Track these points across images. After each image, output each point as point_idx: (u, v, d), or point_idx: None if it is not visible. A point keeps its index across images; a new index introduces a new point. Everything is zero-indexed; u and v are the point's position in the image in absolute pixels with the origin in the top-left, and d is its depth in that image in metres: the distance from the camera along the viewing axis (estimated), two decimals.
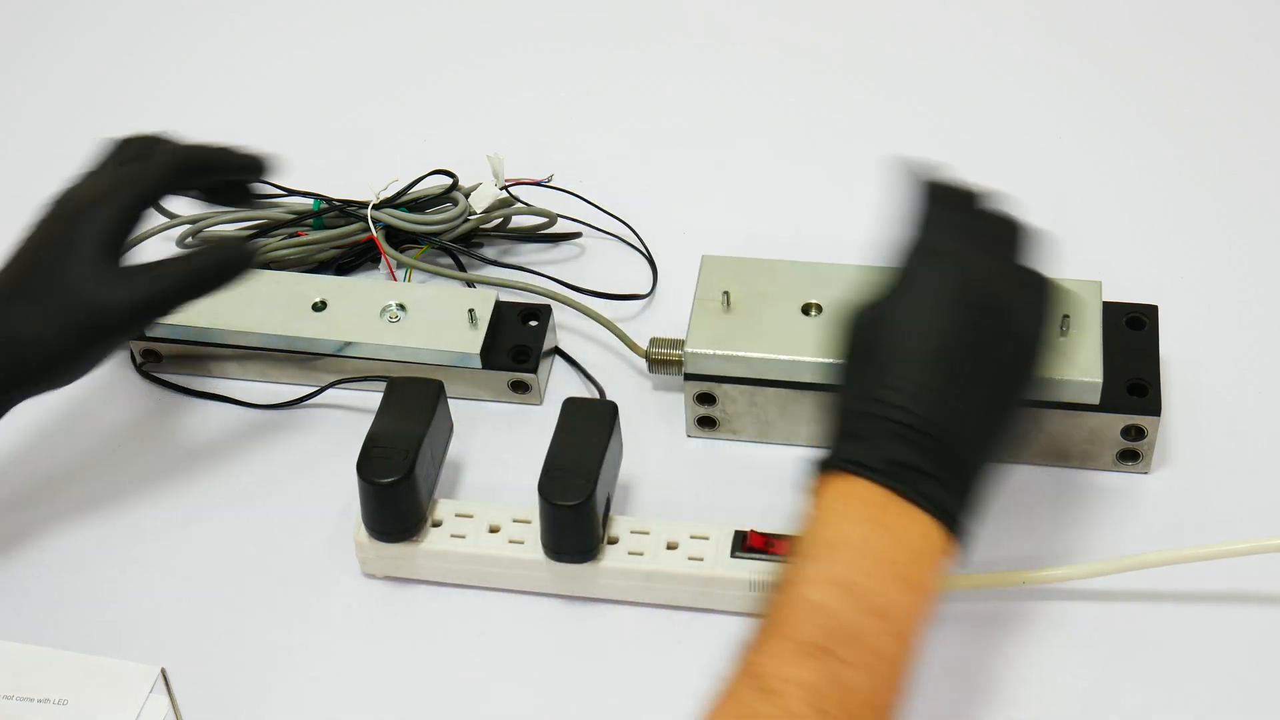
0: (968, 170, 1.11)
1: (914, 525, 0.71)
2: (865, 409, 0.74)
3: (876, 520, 0.71)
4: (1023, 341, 0.77)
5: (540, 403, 0.98)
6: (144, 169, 0.88)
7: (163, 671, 0.83)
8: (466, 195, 1.04)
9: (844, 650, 0.68)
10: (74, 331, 0.84)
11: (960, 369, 0.74)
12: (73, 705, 0.82)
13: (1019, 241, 0.80)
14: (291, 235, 1.05)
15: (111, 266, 0.86)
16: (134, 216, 0.88)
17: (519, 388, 0.97)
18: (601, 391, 0.96)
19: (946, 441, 0.73)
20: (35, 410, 0.98)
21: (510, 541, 0.87)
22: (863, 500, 0.72)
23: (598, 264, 1.06)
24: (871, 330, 0.76)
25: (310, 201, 1.06)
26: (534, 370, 0.96)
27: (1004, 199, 0.82)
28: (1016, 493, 0.91)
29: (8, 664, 0.84)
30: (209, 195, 0.93)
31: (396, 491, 0.85)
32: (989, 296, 0.76)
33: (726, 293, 0.94)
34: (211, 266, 0.87)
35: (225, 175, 0.91)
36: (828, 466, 0.73)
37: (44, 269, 0.85)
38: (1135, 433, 0.90)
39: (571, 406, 0.88)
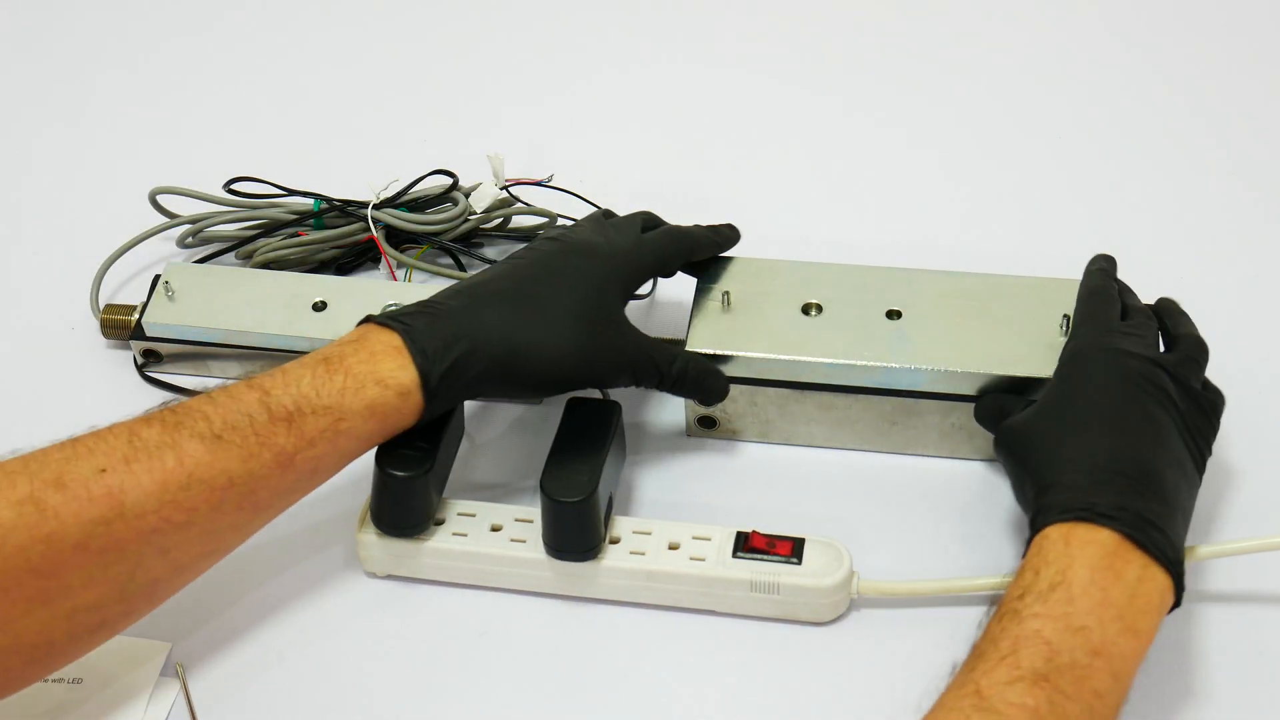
0: (968, 170, 1.12)
1: (1142, 572, 0.74)
2: (1082, 463, 0.77)
3: (1108, 566, 0.73)
4: (1191, 449, 0.80)
5: (540, 402, 0.98)
6: (667, 241, 0.93)
7: (179, 665, 0.84)
8: (466, 195, 1.04)
9: (1066, 684, 0.70)
10: (583, 365, 0.86)
11: (1145, 454, 0.78)
12: (86, 683, 0.84)
13: (1176, 349, 0.86)
14: (291, 235, 1.05)
15: (622, 316, 0.89)
16: (644, 279, 0.92)
17: None
18: (604, 391, 0.96)
19: (1163, 495, 0.76)
20: (36, 409, 0.98)
21: (512, 540, 0.87)
22: (1095, 545, 0.74)
23: None
24: (1062, 415, 0.81)
25: (310, 201, 1.06)
26: None
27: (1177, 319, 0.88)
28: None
29: None
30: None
31: (414, 487, 0.85)
32: (1158, 393, 0.81)
33: (726, 293, 0.94)
34: (694, 381, 0.90)
35: (712, 255, 0.96)
36: (1060, 514, 0.76)
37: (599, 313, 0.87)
38: None
39: (575, 406, 0.88)
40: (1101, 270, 0.91)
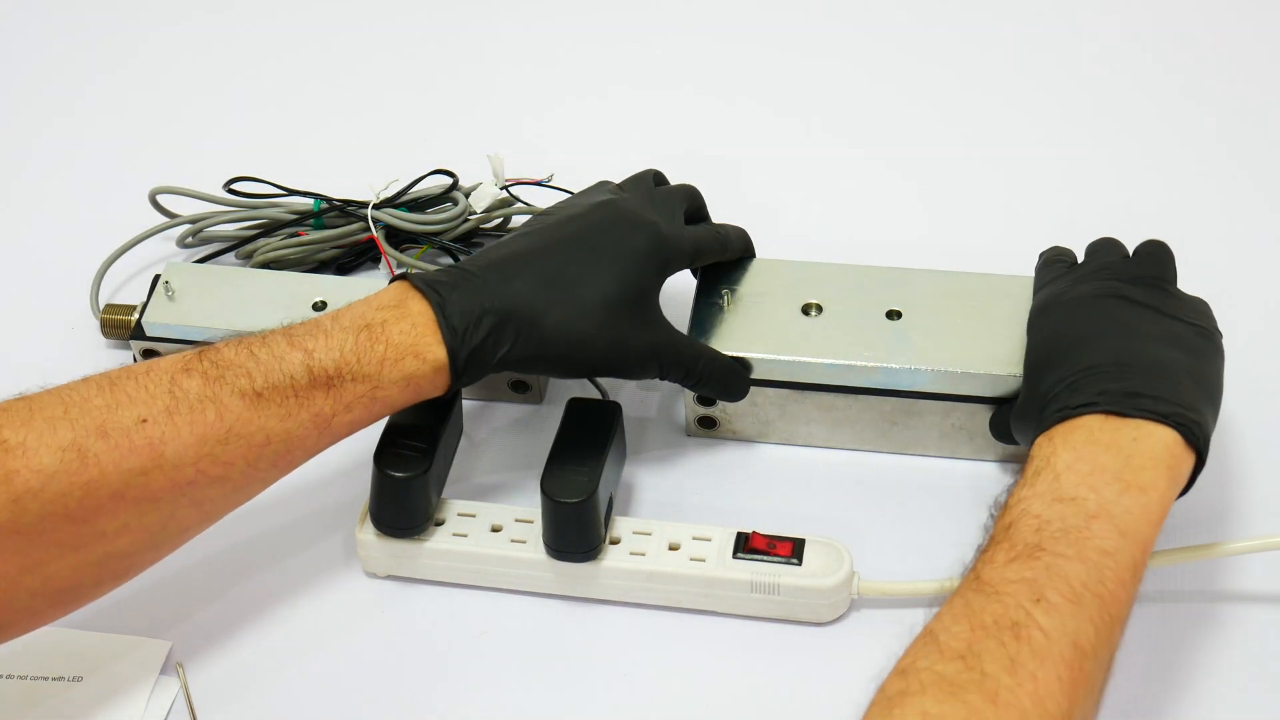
0: (968, 170, 1.12)
1: (1137, 433, 0.75)
2: (1072, 378, 0.79)
3: (1093, 441, 0.75)
4: (1188, 318, 0.82)
5: (540, 402, 0.98)
6: (708, 237, 0.93)
7: (179, 664, 0.84)
8: (466, 195, 1.04)
9: (1061, 546, 0.71)
10: (615, 353, 0.86)
11: (1120, 329, 0.80)
12: (86, 681, 0.84)
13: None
14: (291, 235, 1.05)
15: (657, 307, 0.88)
16: (677, 270, 0.91)
17: (519, 387, 0.97)
18: (603, 392, 0.96)
19: (1150, 368, 0.77)
20: None
21: (512, 541, 0.87)
22: (1079, 430, 0.76)
23: None
24: (1053, 335, 0.83)
25: (310, 201, 1.06)
26: None
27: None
28: None
29: (22, 644, 0.85)
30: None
31: (413, 487, 0.85)
32: (1111, 287, 0.84)
33: (726, 293, 0.94)
34: (719, 377, 0.90)
35: (733, 257, 0.96)
36: (1037, 429, 0.77)
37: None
38: None
39: (575, 406, 0.88)
40: (1053, 250, 0.92)
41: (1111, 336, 0.81)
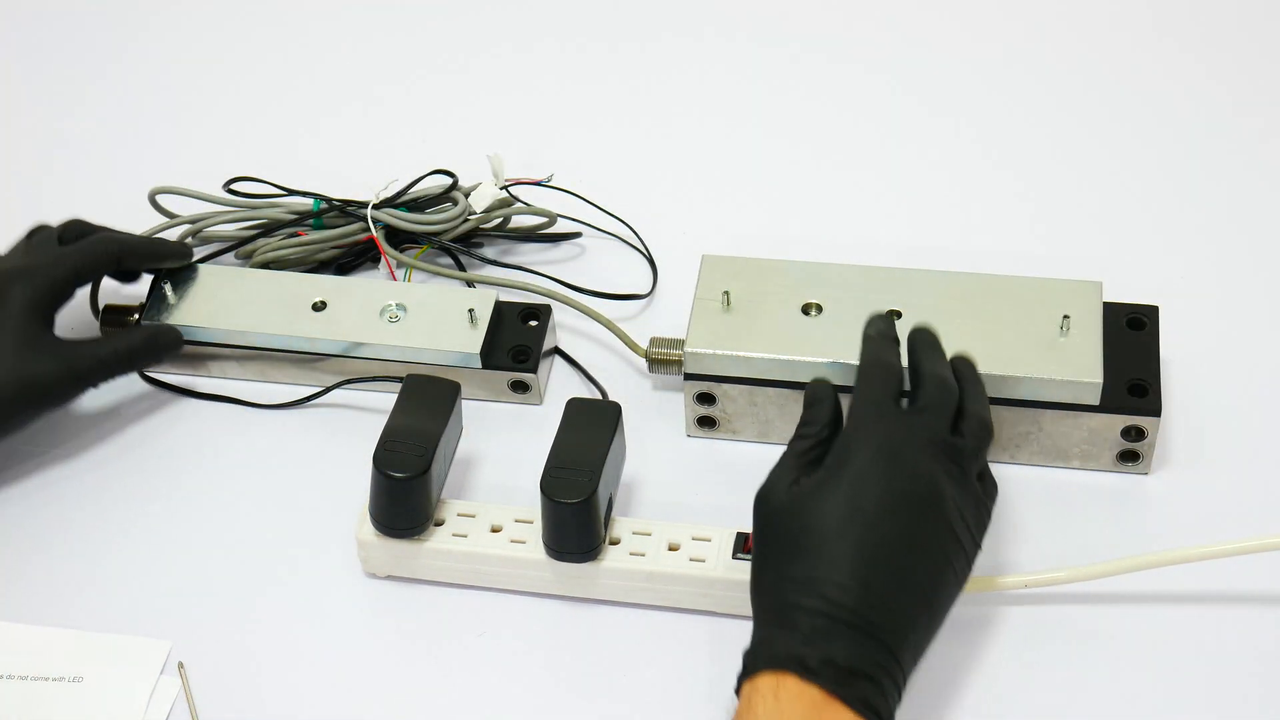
0: (968, 170, 1.12)
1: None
2: (803, 600, 0.74)
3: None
4: (960, 547, 0.78)
5: (540, 403, 0.98)
6: (88, 248, 0.96)
7: (180, 664, 0.84)
8: (466, 195, 1.04)
9: None
10: (7, 393, 0.90)
11: (899, 564, 0.75)
12: (87, 682, 0.84)
13: (960, 431, 0.81)
14: (291, 235, 1.05)
15: (46, 336, 0.93)
16: (68, 291, 0.95)
17: (519, 388, 0.97)
18: (603, 392, 0.96)
19: (886, 642, 0.74)
20: None
21: (512, 541, 0.87)
22: (802, 700, 0.72)
23: (598, 264, 1.06)
24: (805, 514, 0.77)
25: (310, 201, 1.06)
26: (534, 370, 0.96)
27: (944, 385, 0.82)
28: (1017, 495, 0.91)
29: (22, 645, 0.86)
30: (123, 278, 1.01)
31: (412, 487, 0.85)
32: (933, 502, 0.77)
33: (726, 293, 0.94)
34: (144, 346, 0.97)
35: (155, 265, 1.00)
36: (769, 663, 0.74)
37: None
38: (1135, 433, 0.90)
39: (575, 406, 0.88)
40: (879, 335, 0.85)
41: (893, 564, 0.75)
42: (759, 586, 0.78)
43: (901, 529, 0.76)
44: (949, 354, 0.86)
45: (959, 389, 0.83)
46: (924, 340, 0.85)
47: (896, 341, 0.86)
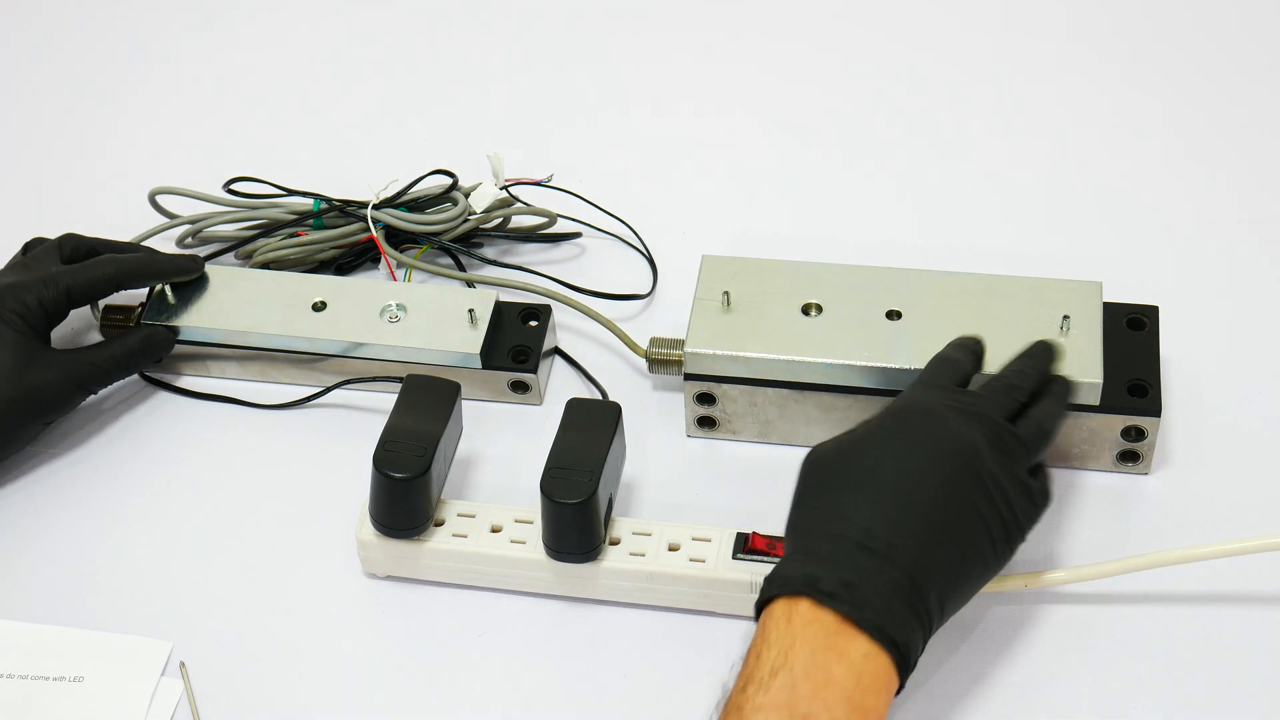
0: (968, 170, 1.12)
1: (868, 649, 0.72)
2: (830, 529, 0.74)
3: (830, 646, 0.71)
4: (995, 505, 0.77)
5: (540, 403, 0.98)
6: (83, 273, 0.96)
7: (181, 664, 0.84)
8: (466, 195, 1.04)
9: None
10: (12, 409, 0.92)
11: (933, 508, 0.75)
12: (88, 682, 0.84)
13: (1017, 423, 0.80)
14: (291, 235, 1.05)
15: (44, 349, 0.94)
16: (62, 311, 0.96)
17: (519, 388, 0.97)
18: (603, 392, 0.96)
19: (912, 574, 0.73)
20: None
21: (512, 541, 0.87)
22: (816, 624, 0.72)
23: (598, 264, 1.06)
24: (849, 461, 0.77)
25: (310, 201, 1.06)
26: (534, 370, 0.96)
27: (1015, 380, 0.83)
28: None
29: (23, 644, 0.86)
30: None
31: (412, 487, 0.85)
32: (968, 454, 0.76)
33: (726, 293, 0.94)
34: (140, 349, 0.97)
35: (159, 282, 1.00)
36: (783, 587, 0.73)
37: None
38: (1135, 433, 0.90)
39: (575, 406, 0.88)
40: (959, 343, 0.87)
41: (921, 508, 0.75)
42: (791, 527, 0.77)
43: (939, 480, 0.75)
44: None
45: (1042, 403, 0.82)
46: (1018, 366, 0.84)
47: (975, 354, 0.86)
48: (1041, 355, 0.85)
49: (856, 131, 1.15)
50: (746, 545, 0.85)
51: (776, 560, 0.83)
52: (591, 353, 1.00)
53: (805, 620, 0.72)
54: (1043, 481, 0.81)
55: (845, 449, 0.78)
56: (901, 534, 0.74)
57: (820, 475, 0.78)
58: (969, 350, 0.86)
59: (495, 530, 0.87)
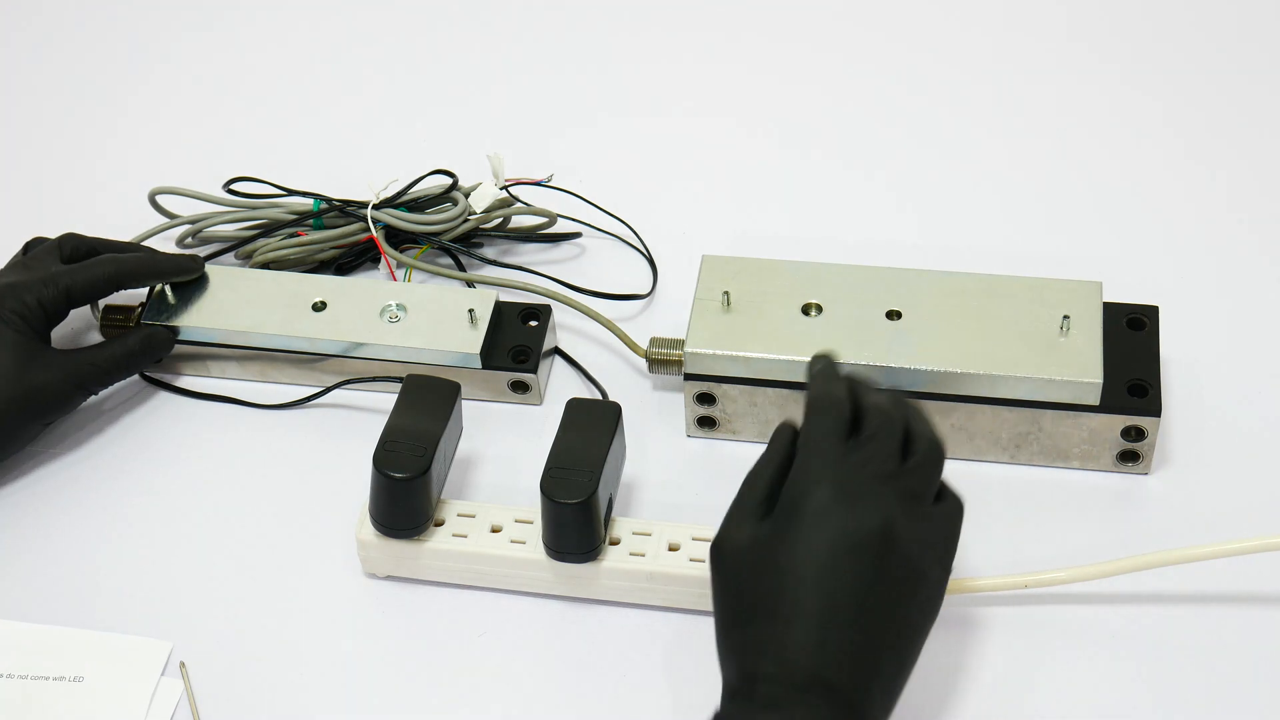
0: (968, 170, 1.12)
1: None
2: (757, 668, 0.72)
3: None
4: (924, 579, 0.75)
5: (540, 403, 0.98)
6: (82, 272, 0.96)
7: (182, 664, 0.84)
8: (466, 195, 1.04)
9: None
10: (12, 410, 0.92)
11: (857, 615, 0.72)
12: (88, 682, 0.84)
13: (911, 456, 0.77)
14: (291, 235, 1.05)
15: (44, 350, 0.94)
16: (62, 311, 0.96)
17: (519, 388, 0.97)
18: (603, 392, 0.96)
19: (849, 699, 0.71)
20: None
21: (512, 541, 0.87)
22: None
23: (598, 264, 1.06)
24: (758, 571, 0.74)
25: (310, 201, 1.06)
26: (534, 370, 0.96)
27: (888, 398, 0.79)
28: (1017, 495, 0.91)
29: (23, 644, 0.86)
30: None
31: (412, 487, 0.85)
32: (887, 541, 0.74)
33: (726, 293, 0.94)
34: (140, 349, 0.98)
35: (159, 281, 1.00)
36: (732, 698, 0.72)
37: None
38: (1135, 433, 0.90)
39: (575, 406, 0.88)
40: (823, 371, 0.81)
41: (848, 624, 0.72)
42: (722, 649, 0.75)
43: (856, 578, 0.73)
44: (947, 349, 0.87)
45: (914, 426, 0.78)
46: (858, 379, 0.81)
47: (841, 376, 0.81)
48: (865, 379, 0.81)
49: (856, 132, 1.15)
50: None
51: None
52: (591, 353, 1.01)
53: None
54: (950, 501, 0.78)
55: (758, 553, 0.75)
56: (833, 660, 0.72)
57: (737, 584, 0.75)
58: (835, 375, 0.81)
59: (495, 530, 0.87)
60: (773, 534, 0.75)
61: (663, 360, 0.96)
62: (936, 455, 0.78)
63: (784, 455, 0.78)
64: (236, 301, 1.00)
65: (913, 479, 0.76)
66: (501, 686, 0.85)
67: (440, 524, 0.88)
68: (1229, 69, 1.17)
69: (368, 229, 1.04)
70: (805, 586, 0.73)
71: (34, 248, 0.99)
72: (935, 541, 0.76)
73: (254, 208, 1.06)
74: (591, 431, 0.86)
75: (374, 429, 0.89)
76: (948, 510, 0.78)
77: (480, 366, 0.96)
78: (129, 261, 0.98)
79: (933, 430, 0.79)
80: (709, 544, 0.85)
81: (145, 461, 0.96)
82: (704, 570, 0.84)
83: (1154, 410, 0.89)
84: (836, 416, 0.77)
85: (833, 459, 0.76)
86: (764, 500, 0.77)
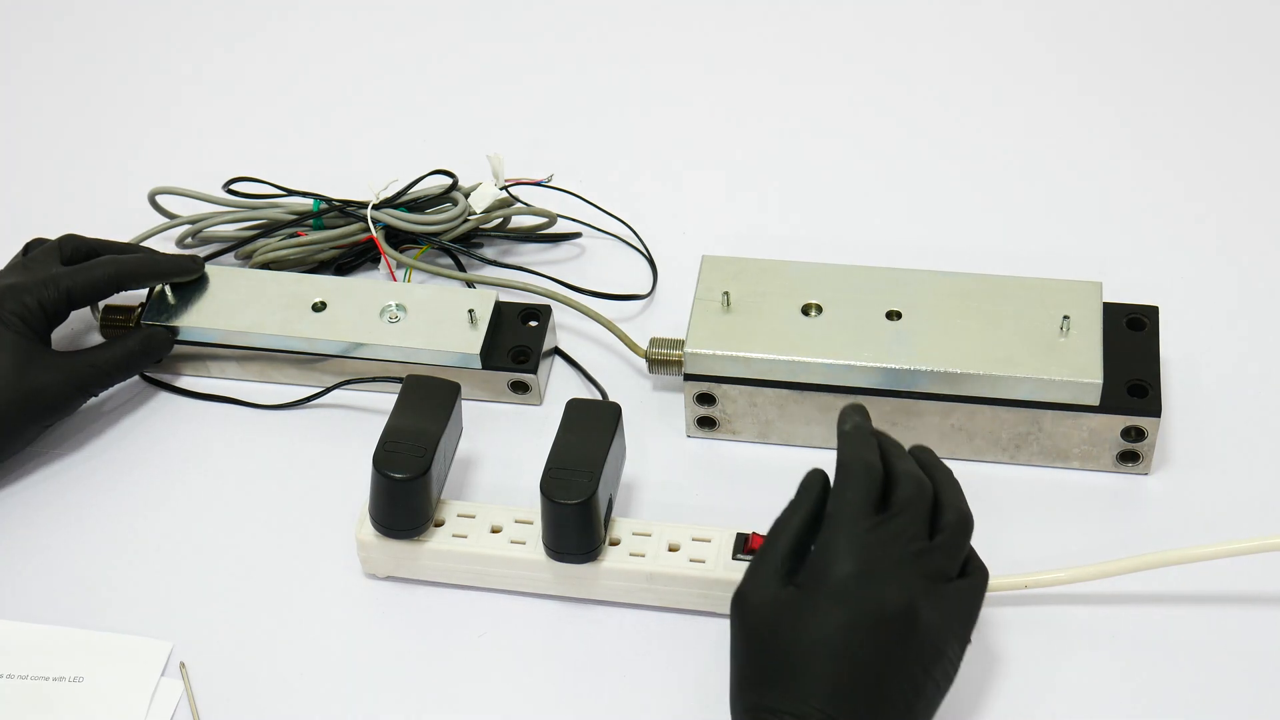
0: (968, 170, 1.12)
1: None
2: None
3: None
4: (942, 656, 0.76)
5: (540, 403, 0.98)
6: (83, 274, 0.96)
7: (182, 664, 0.84)
8: (466, 195, 1.04)
9: None
10: (12, 411, 0.92)
11: (874, 689, 0.73)
12: (88, 682, 0.85)
13: (939, 532, 0.77)
14: (291, 235, 1.05)
15: (44, 351, 0.94)
16: (62, 312, 0.96)
17: (519, 388, 0.97)
18: (603, 392, 0.96)
19: None
20: None
21: (512, 542, 0.87)
22: None
23: (598, 264, 1.06)
24: (780, 633, 0.75)
25: (310, 201, 1.06)
26: (534, 371, 0.96)
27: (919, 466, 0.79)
28: (1017, 495, 0.91)
29: (23, 644, 0.86)
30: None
31: (412, 488, 0.85)
32: (909, 621, 0.74)
33: (726, 293, 0.94)
34: (140, 350, 0.98)
35: (159, 282, 1.00)
36: None
37: None
38: (1135, 434, 0.90)
39: (575, 407, 0.88)
40: (855, 429, 0.80)
41: (857, 681, 0.73)
42: (736, 707, 0.76)
43: (874, 654, 0.74)
44: (947, 349, 0.87)
45: (932, 482, 0.79)
46: (888, 440, 0.81)
47: (873, 434, 0.80)
48: (897, 441, 0.81)
49: (857, 131, 1.15)
50: (746, 546, 0.85)
51: None
52: (591, 353, 1.01)
53: None
54: (975, 572, 0.79)
55: (782, 616, 0.75)
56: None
57: (758, 643, 0.75)
58: (867, 435, 0.80)
59: (495, 531, 0.87)
60: (798, 599, 0.75)
61: (663, 360, 0.96)
62: (964, 528, 0.78)
63: (811, 509, 0.78)
64: (236, 302, 1.00)
65: (939, 556, 0.77)
66: (501, 687, 0.85)
67: (440, 524, 0.88)
68: (1229, 69, 1.17)
69: (367, 229, 1.04)
70: (823, 659, 0.73)
71: (34, 249, 0.99)
72: (956, 619, 0.77)
73: (254, 208, 1.06)
74: (591, 432, 0.86)
75: (374, 429, 0.89)
76: (972, 585, 0.78)
77: (480, 367, 0.96)
78: (129, 262, 0.98)
79: (961, 499, 0.79)
80: (709, 544, 0.85)
81: (145, 462, 0.96)
82: (703, 570, 0.85)
83: (1154, 410, 0.89)
84: (869, 485, 0.77)
85: (861, 532, 0.76)
86: (789, 556, 0.77)
